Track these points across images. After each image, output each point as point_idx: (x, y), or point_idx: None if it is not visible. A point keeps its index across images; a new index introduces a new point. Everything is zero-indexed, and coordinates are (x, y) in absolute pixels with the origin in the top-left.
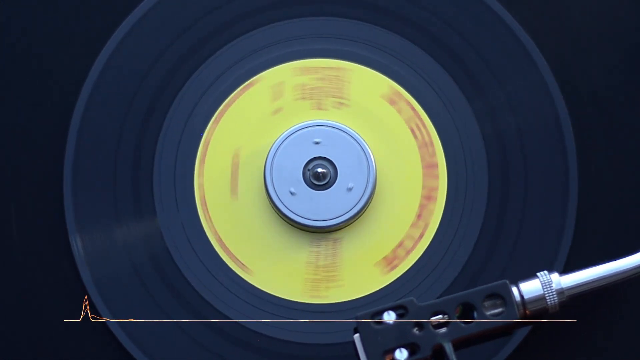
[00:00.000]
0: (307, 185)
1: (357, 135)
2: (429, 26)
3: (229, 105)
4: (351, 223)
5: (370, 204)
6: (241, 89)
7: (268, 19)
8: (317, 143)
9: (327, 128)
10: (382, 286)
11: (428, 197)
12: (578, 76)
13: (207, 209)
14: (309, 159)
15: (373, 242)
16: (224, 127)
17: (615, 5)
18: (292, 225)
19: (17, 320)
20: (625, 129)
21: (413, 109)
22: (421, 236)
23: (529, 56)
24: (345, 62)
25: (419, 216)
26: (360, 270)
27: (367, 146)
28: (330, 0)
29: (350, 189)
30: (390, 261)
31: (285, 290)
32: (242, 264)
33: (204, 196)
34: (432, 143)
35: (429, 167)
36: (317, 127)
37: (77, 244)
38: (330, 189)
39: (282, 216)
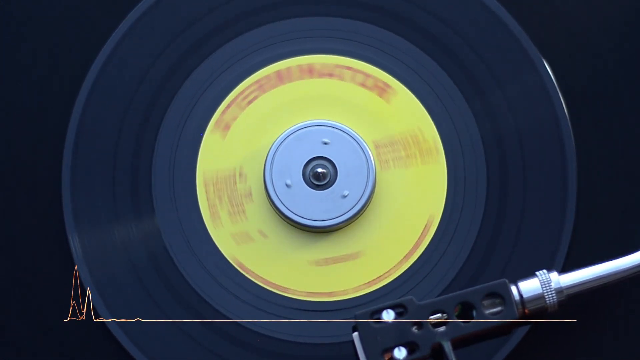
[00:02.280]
0: (307, 185)
1: (357, 135)
2: (428, 27)
3: (229, 104)
4: (351, 223)
5: (370, 204)
6: (242, 88)
7: (268, 18)
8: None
9: (327, 128)
10: (382, 286)
11: (427, 198)
12: (578, 77)
13: (206, 208)
14: (309, 159)
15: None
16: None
17: (615, 5)
18: (292, 225)
19: (17, 320)
20: (624, 129)
21: (413, 110)
22: (421, 236)
23: (528, 57)
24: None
25: (418, 216)
26: (360, 269)
27: (367, 146)
28: (330, 0)
29: (345, 196)
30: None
31: (285, 290)
32: (242, 263)
33: (204, 196)
34: (432, 143)
35: (429, 167)
36: (317, 127)
37: (76, 244)
38: (330, 188)
39: (282, 216)
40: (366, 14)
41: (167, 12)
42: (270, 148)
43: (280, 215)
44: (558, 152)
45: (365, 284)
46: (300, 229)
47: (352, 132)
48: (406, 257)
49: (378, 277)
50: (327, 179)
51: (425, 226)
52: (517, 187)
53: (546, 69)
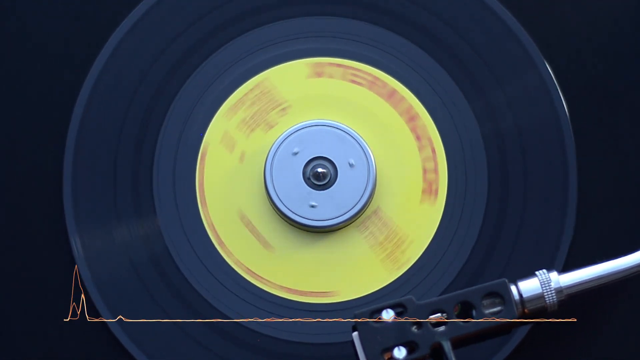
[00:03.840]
0: (307, 185)
1: (357, 135)
2: (429, 26)
3: (229, 104)
4: (351, 223)
5: (370, 204)
6: (242, 88)
7: (269, 18)
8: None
9: (328, 128)
10: (382, 285)
11: (428, 196)
12: (578, 77)
13: (207, 208)
14: (309, 159)
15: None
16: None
17: (615, 5)
18: (292, 225)
19: (17, 320)
20: (624, 129)
21: (413, 109)
22: (418, 240)
23: (528, 56)
24: (345, 60)
25: (418, 216)
26: (360, 269)
27: (367, 146)
28: (328, 0)
29: (352, 165)
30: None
31: (285, 290)
32: (242, 263)
33: (204, 196)
34: (432, 143)
35: (429, 167)
36: (317, 127)
37: (77, 244)
38: (330, 188)
39: (282, 216)
40: (366, 13)
41: (166, 13)
42: (270, 148)
43: (281, 215)
44: (558, 151)
45: (365, 284)
46: (300, 229)
47: (353, 132)
48: (406, 257)
49: (378, 277)
50: (327, 179)
51: (426, 225)
52: (517, 186)
53: (546, 68)
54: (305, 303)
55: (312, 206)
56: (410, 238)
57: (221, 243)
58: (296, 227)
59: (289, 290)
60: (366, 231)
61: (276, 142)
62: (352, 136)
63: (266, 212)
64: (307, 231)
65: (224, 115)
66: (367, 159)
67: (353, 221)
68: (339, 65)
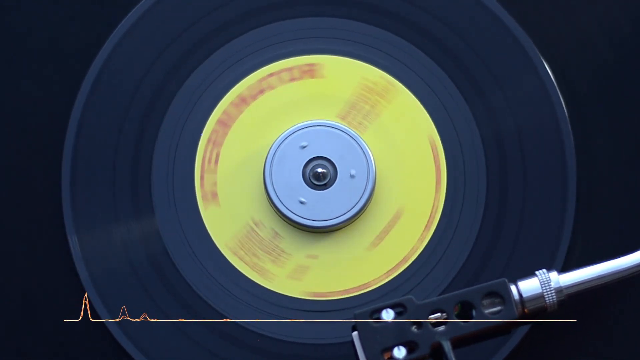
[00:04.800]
0: (307, 185)
1: (357, 135)
2: (428, 27)
3: (229, 104)
4: (351, 223)
5: (370, 204)
6: (242, 88)
7: (268, 18)
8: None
9: (328, 128)
10: (382, 284)
11: (427, 197)
12: (578, 77)
13: (206, 208)
14: (309, 159)
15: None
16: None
17: (615, 5)
18: (292, 225)
19: (16, 320)
20: (624, 129)
21: (414, 110)
22: (421, 235)
23: (528, 57)
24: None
25: (418, 216)
26: (361, 269)
27: (366, 146)
28: (329, 1)
29: (353, 176)
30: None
31: (285, 290)
32: (242, 264)
33: (203, 196)
34: (432, 143)
35: (429, 167)
36: (317, 127)
37: (75, 244)
38: (330, 188)
39: (282, 216)
40: (366, 14)
41: (165, 13)
42: (270, 148)
43: (281, 215)
44: (558, 152)
45: (366, 284)
46: (300, 229)
47: (352, 132)
48: (406, 257)
49: (378, 277)
50: (327, 179)
51: (426, 226)
52: (517, 187)
53: (546, 69)
54: (306, 303)
55: (314, 207)
56: (412, 233)
57: (221, 243)
58: (296, 227)
59: (289, 290)
60: (368, 229)
61: (276, 142)
62: (350, 135)
63: (266, 211)
64: (307, 231)
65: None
66: (366, 156)
67: (354, 220)
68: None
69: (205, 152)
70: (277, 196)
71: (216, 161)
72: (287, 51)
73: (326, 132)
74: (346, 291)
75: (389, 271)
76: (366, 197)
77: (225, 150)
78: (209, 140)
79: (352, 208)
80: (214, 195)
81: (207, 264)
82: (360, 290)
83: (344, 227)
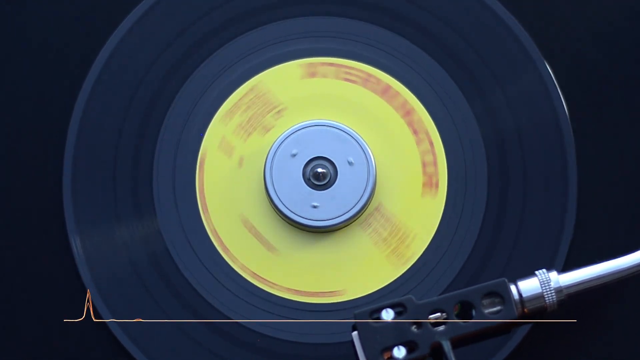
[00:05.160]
0: (307, 185)
1: (357, 135)
2: (429, 26)
3: (229, 104)
4: (351, 223)
5: (372, 201)
6: (241, 89)
7: (267, 19)
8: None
9: (327, 128)
10: (382, 285)
11: (428, 196)
12: (578, 77)
13: (207, 208)
14: (309, 159)
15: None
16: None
17: (615, 5)
18: (292, 225)
19: (17, 320)
20: (624, 129)
21: (413, 109)
22: (421, 236)
23: (529, 57)
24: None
25: (420, 210)
26: (360, 269)
27: (367, 146)
28: (329, 1)
29: (351, 163)
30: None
31: (285, 290)
32: (242, 264)
33: (204, 196)
34: (432, 143)
35: (429, 167)
36: (317, 127)
37: (76, 244)
38: (330, 188)
39: (282, 216)
40: (366, 13)
41: (166, 14)
42: (269, 150)
43: (282, 217)
44: (558, 151)
45: (366, 284)
46: (300, 229)
47: (350, 130)
48: (406, 257)
49: (378, 277)
50: (327, 179)
51: (426, 226)
52: (517, 186)
53: (546, 69)
54: (305, 303)
55: (315, 207)
56: (414, 232)
57: (221, 243)
58: (296, 227)
59: (289, 290)
60: (369, 228)
61: (275, 144)
62: (350, 135)
63: (266, 212)
64: (307, 231)
65: (220, 121)
66: (366, 156)
67: (355, 220)
68: (331, 64)
69: (206, 151)
70: (277, 196)
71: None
72: (288, 51)
73: (327, 132)
74: (346, 291)
75: (389, 271)
76: (366, 197)
77: (227, 149)
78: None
79: (352, 208)
80: (215, 194)
81: (207, 263)
82: (360, 290)
83: (344, 227)
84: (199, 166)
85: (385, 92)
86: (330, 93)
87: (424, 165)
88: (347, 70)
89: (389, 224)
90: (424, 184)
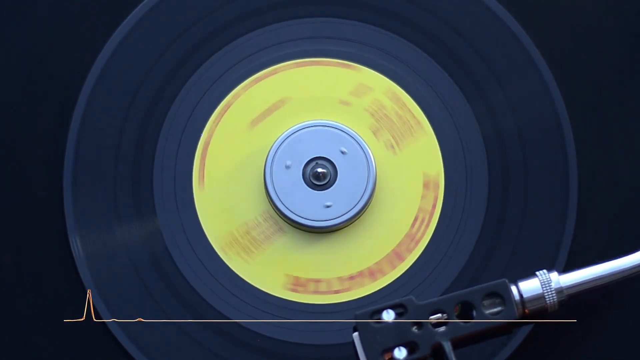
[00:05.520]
0: (307, 185)
1: (357, 135)
2: (429, 27)
3: (229, 105)
4: (351, 223)
5: (370, 204)
6: (241, 89)
7: (267, 20)
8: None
9: (327, 128)
10: (382, 286)
11: (428, 196)
12: (578, 77)
13: (207, 208)
14: (309, 159)
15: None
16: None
17: (615, 5)
18: (292, 225)
19: (17, 320)
20: (624, 129)
21: (413, 109)
22: (421, 236)
23: (529, 57)
24: (349, 63)
25: (418, 216)
26: (361, 269)
27: (367, 146)
28: (330, 2)
29: (328, 207)
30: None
31: (285, 290)
32: (242, 264)
33: (204, 196)
34: (432, 143)
35: (429, 167)
36: (317, 127)
37: (76, 244)
38: (330, 189)
39: (282, 216)
40: (366, 14)
41: (166, 14)
42: (271, 148)
43: (281, 215)
44: (558, 151)
45: (359, 286)
46: (300, 229)
47: (352, 132)
48: (407, 258)
49: (378, 277)
50: (327, 179)
51: (427, 226)
52: (517, 187)
53: (546, 69)
54: (305, 303)
55: (312, 206)
56: (410, 238)
57: (221, 243)
58: (296, 227)
59: (289, 290)
60: (366, 231)
61: (276, 142)
62: (352, 136)
63: (266, 211)
64: (307, 231)
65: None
66: (367, 159)
67: (353, 221)
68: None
69: (206, 151)
70: (278, 196)
71: (218, 160)
72: (287, 52)
73: (326, 132)
74: (346, 291)
75: (383, 275)
76: (367, 197)
77: (227, 149)
78: (210, 139)
79: (352, 208)
80: (215, 194)
81: (208, 264)
82: (354, 293)
83: (344, 227)
84: (199, 165)
85: (385, 92)
86: (330, 92)
87: (423, 167)
88: (348, 70)
89: (388, 224)
90: (424, 187)
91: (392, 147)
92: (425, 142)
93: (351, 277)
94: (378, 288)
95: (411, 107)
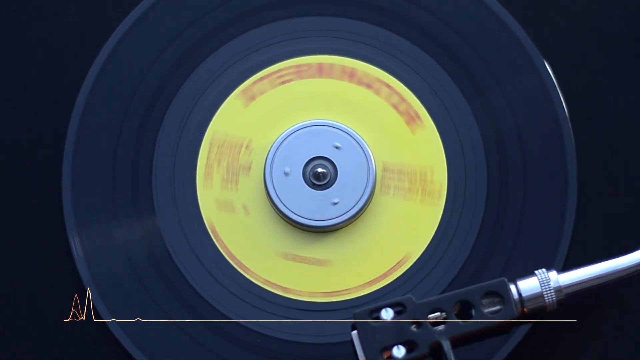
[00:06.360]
0: (307, 185)
1: (357, 135)
2: (429, 26)
3: (229, 105)
4: (351, 223)
5: (370, 204)
6: (241, 89)
7: (267, 19)
8: (337, 147)
9: (327, 128)
10: (382, 285)
11: (428, 197)
12: (578, 77)
13: (207, 208)
14: (309, 159)
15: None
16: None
17: (615, 5)
18: (292, 225)
19: (17, 320)
20: (624, 129)
21: (412, 108)
22: (421, 235)
23: (528, 56)
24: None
25: (418, 216)
26: (361, 269)
27: (367, 146)
28: (330, 0)
29: (338, 147)
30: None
31: (285, 290)
32: (242, 263)
33: (204, 196)
34: (432, 143)
35: (429, 166)
36: (317, 127)
37: (76, 244)
38: (330, 188)
39: (282, 216)
40: (366, 13)
41: (165, 13)
42: (271, 148)
43: (280, 214)
44: (558, 151)
45: (365, 283)
46: (300, 229)
47: (353, 132)
48: (406, 257)
49: (378, 277)
50: (327, 179)
51: (426, 226)
52: (517, 186)
53: (546, 69)
54: (305, 302)
55: (312, 206)
56: (410, 237)
57: (221, 243)
58: (296, 227)
59: (289, 290)
60: (366, 231)
61: (276, 142)
62: (352, 136)
63: (266, 211)
64: (307, 231)
65: (204, 188)
66: (367, 159)
67: (353, 221)
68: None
69: (206, 151)
70: (278, 197)
71: (218, 160)
72: (286, 51)
73: (327, 132)
74: (346, 291)
75: (388, 271)
76: (367, 197)
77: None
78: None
79: (352, 208)
80: (215, 195)
81: (207, 263)
82: (360, 290)
83: (344, 227)
84: (199, 164)
85: (384, 91)
86: (328, 93)
87: (423, 167)
88: (347, 69)
89: (388, 224)
90: (424, 187)
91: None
92: (423, 134)
93: (357, 275)
94: (385, 284)
95: (410, 99)
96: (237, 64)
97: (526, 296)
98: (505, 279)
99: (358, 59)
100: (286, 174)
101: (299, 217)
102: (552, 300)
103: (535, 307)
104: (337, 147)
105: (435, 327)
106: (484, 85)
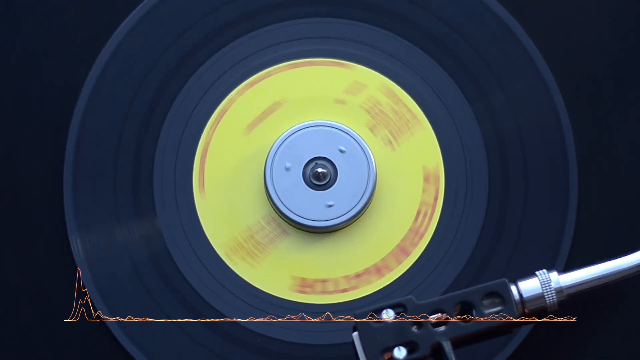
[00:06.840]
0: (307, 185)
1: (357, 135)
2: (428, 26)
3: (229, 105)
4: (351, 223)
5: (370, 204)
6: (241, 89)
7: (266, 21)
8: (341, 151)
9: (327, 128)
10: (382, 286)
11: (429, 190)
12: (578, 76)
13: (207, 209)
14: (309, 159)
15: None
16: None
17: (615, 5)
18: (292, 225)
19: (17, 320)
20: (624, 129)
21: (408, 103)
22: (421, 236)
23: (529, 57)
24: (344, 62)
25: (419, 216)
26: (361, 269)
27: (367, 146)
28: (329, 1)
29: (330, 206)
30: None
31: (285, 290)
32: (242, 264)
33: (204, 196)
34: (432, 143)
35: (429, 167)
36: (317, 127)
37: (77, 244)
38: (330, 189)
39: (282, 216)
40: (366, 14)
41: (166, 14)
42: (271, 149)
43: (281, 215)
44: (558, 151)
45: (365, 284)
46: (300, 229)
47: (350, 130)
48: (407, 257)
49: (378, 277)
50: (327, 179)
51: (426, 226)
52: (517, 186)
53: (546, 69)
54: (306, 303)
55: (312, 206)
56: (410, 238)
57: (221, 243)
58: (296, 227)
59: (289, 290)
60: (367, 231)
61: (276, 142)
62: (352, 136)
63: (266, 212)
64: (308, 231)
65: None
66: (367, 159)
67: (353, 221)
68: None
69: (206, 152)
70: (279, 198)
71: (217, 162)
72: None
73: (324, 132)
74: (346, 291)
75: (389, 271)
76: (367, 197)
77: (227, 151)
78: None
79: (352, 208)
80: (215, 195)
81: (208, 264)
82: (361, 290)
83: (347, 225)
84: (199, 165)
85: (379, 88)
86: (325, 92)
87: (423, 167)
88: (341, 68)
89: (388, 224)
90: (424, 187)
91: (390, 142)
92: (423, 136)
93: (357, 275)
94: (385, 284)
95: (406, 101)
96: (239, 64)
97: (527, 297)
98: (506, 280)
99: (352, 59)
100: (287, 169)
101: (301, 219)
102: (553, 300)
103: (536, 307)
104: (341, 151)
105: (436, 328)
106: (484, 85)
